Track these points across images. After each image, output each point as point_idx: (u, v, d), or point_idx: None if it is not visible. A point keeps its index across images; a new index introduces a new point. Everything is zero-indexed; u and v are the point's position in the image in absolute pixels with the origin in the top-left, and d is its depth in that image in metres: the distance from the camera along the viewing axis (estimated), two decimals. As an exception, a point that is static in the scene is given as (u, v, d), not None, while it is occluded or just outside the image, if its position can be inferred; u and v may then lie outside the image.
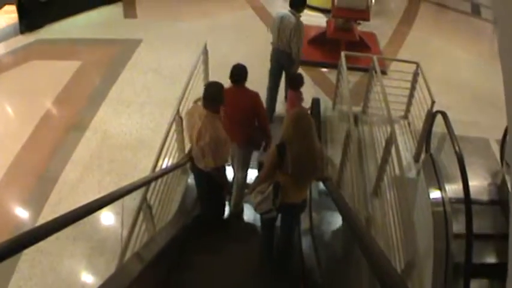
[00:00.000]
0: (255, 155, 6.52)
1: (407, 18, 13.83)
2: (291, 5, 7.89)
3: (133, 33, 11.49)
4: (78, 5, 12.32)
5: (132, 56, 10.51)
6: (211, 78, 7.07)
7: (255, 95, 5.96)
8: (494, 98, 9.94)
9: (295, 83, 7.72)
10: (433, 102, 6.93)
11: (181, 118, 6.13)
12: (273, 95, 8.46)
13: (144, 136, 8.08)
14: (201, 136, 5.07)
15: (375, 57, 7.90)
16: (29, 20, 11.34)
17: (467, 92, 10.27)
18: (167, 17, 12.61)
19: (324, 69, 10.71)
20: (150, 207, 4.96)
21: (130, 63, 10.25)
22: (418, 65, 7.82)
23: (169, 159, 5.97)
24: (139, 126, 8.36)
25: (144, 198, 4.82)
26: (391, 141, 5.63)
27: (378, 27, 12.53)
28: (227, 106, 5.42)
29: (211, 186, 5.65)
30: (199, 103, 5.22)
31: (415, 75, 7.85)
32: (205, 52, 7.65)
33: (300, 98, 7.72)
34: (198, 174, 5.64)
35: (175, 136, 6.22)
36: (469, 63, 11.62)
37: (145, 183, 4.78)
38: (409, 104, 8.18)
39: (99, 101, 8.96)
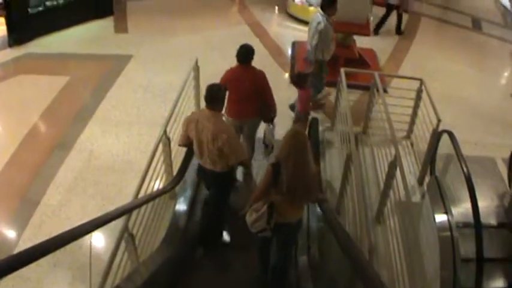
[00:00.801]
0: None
1: (408, 34, 13.61)
2: (320, 6, 8.28)
3: (124, 49, 11.25)
4: (68, 18, 12.10)
5: (121, 72, 10.24)
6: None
7: (261, 73, 6.45)
8: (498, 115, 9.86)
9: (298, 80, 7.51)
10: (438, 121, 6.61)
11: (168, 139, 5.79)
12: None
13: (132, 157, 7.74)
14: (217, 136, 5.15)
15: (376, 74, 7.60)
16: (18, 34, 11.16)
17: (470, 110, 10.03)
18: (159, 32, 12.36)
19: (322, 88, 10.34)
20: (132, 237, 4.59)
21: (119, 80, 9.97)
22: (421, 81, 7.53)
23: (155, 183, 5.63)
24: (127, 146, 8.03)
25: (125, 227, 4.45)
26: (395, 164, 5.30)
27: (377, 43, 12.30)
28: (236, 84, 6.04)
29: (221, 190, 5.77)
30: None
31: (419, 92, 7.55)
32: (196, 68, 7.36)
33: (309, 97, 7.62)
34: (208, 178, 5.72)
35: (162, 158, 5.85)
36: (472, 80, 11.41)
37: (126, 211, 4.41)
38: (412, 123, 7.87)
39: (85, 119, 8.66)
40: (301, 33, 12.88)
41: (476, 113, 9.93)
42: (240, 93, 6.31)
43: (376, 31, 13.22)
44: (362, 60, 10.73)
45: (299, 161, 4.38)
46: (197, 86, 7.52)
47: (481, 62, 12.65)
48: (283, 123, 7.46)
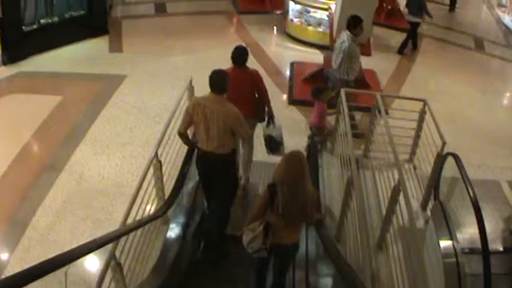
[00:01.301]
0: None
1: (409, 54, 13.53)
2: (346, 26, 8.45)
3: (118, 69, 11.11)
4: (63, 37, 12.00)
5: (115, 92, 10.08)
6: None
7: (256, 73, 6.76)
8: (502, 136, 9.77)
9: (316, 92, 7.76)
10: (443, 144, 6.40)
11: (160, 162, 5.56)
12: None
13: (124, 181, 7.52)
14: (228, 115, 5.49)
15: (378, 95, 7.40)
16: (12, 52, 11.02)
17: (473, 131, 9.91)
18: (154, 52, 12.24)
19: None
20: (120, 266, 4.33)
21: (112, 100, 9.81)
22: (425, 102, 7.32)
23: (145, 208, 5.38)
24: (119, 169, 7.81)
25: (112, 255, 4.19)
26: (398, 188, 5.07)
27: (378, 64, 12.17)
28: (233, 85, 5.84)
29: (225, 178, 5.91)
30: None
31: (422, 113, 7.34)
32: (190, 88, 7.17)
33: (325, 110, 7.81)
34: (211, 165, 5.82)
35: (153, 182, 5.62)
36: (474, 100, 11.31)
37: (113, 238, 4.16)
38: (414, 145, 7.65)
39: (77, 140, 8.47)
40: (300, 53, 12.87)
41: (480, 134, 9.80)
42: (237, 94, 6.23)
43: (401, 51, 13.46)
44: (363, 81, 10.50)
45: (295, 182, 4.44)
46: None
47: (484, 83, 12.56)
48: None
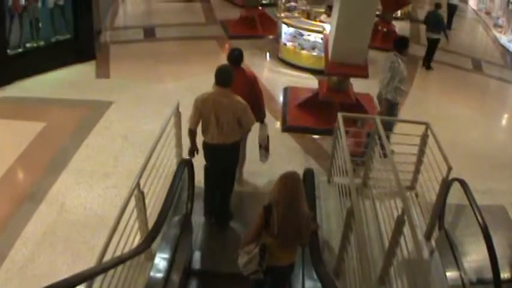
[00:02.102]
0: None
1: (407, 78, 13.18)
2: (394, 47, 8.71)
3: (104, 95, 10.84)
4: (48, 61, 11.86)
5: (100, 119, 9.77)
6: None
7: (251, 73, 7.38)
8: (505, 159, 9.61)
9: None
10: (449, 169, 6.07)
11: (142, 193, 5.19)
12: None
13: (106, 212, 7.11)
14: (236, 108, 6.10)
15: (377, 118, 7.07)
16: (-3, 76, 10.86)
17: (475, 155, 9.66)
18: (143, 78, 12.00)
19: (316, 136, 9.92)
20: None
21: (97, 127, 9.49)
22: (427, 125, 7.03)
23: (126, 243, 5.01)
24: (102, 200, 7.43)
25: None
26: (403, 219, 4.72)
27: (375, 88, 11.82)
28: None
29: (231, 163, 6.58)
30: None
31: (424, 137, 7.02)
32: (177, 114, 6.86)
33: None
34: (219, 154, 6.38)
35: (135, 214, 5.25)
36: (475, 123, 11.15)
37: (88, 277, 3.77)
38: (416, 171, 7.33)
39: (59, 169, 8.10)
40: (294, 78, 12.67)
41: (482, 158, 9.56)
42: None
43: (429, 65, 14.36)
44: (359, 106, 10.16)
45: (290, 203, 4.48)
46: (178, 134, 7.04)
47: (484, 105, 12.52)
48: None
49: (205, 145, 6.38)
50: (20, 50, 11.40)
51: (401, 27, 18.38)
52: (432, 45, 14.32)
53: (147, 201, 5.70)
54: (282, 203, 4.47)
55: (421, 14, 22.98)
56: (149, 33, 15.25)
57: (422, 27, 15.54)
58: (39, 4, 11.75)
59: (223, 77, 6.05)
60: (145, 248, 5.03)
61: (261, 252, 4.57)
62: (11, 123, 9.51)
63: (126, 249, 5.00)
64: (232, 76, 6.13)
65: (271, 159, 7.92)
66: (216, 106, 6.02)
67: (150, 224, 5.55)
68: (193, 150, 6.56)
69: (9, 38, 11.07)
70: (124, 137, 9.16)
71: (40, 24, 11.81)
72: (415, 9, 22.56)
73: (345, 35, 8.97)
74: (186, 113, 7.27)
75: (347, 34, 8.97)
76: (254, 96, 7.10)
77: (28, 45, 11.58)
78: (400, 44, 8.64)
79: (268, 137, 7.51)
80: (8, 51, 11.03)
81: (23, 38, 11.44)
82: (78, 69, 12.27)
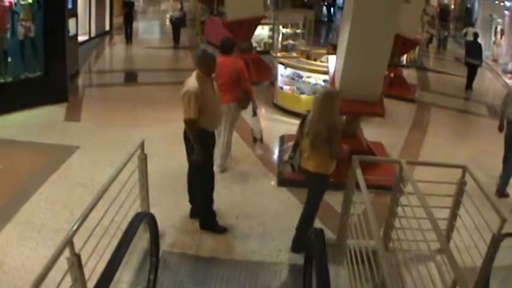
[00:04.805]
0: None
1: (419, 125, 12.92)
2: None
3: (71, 139, 10.02)
4: (15, 101, 11.34)
5: (61, 165, 8.81)
6: (162, 192, 7.54)
7: (240, 62, 8.31)
8: None
9: None
10: (503, 221, 4.88)
11: (78, 256, 4.05)
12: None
13: (49, 277, 5.86)
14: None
15: (403, 162, 5.94)
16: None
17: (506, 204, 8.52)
18: (117, 123, 11.29)
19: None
20: None
21: (56, 174, 8.49)
22: (465, 169, 5.89)
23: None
24: (46, 261, 6.15)
25: None
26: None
27: (385, 136, 11.10)
28: (219, 71, 7.18)
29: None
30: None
31: (461, 185, 5.86)
32: (143, 157, 5.84)
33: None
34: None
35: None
36: (496, 170, 9.90)
37: None
38: (449, 229, 6.08)
39: (4, 220, 6.99)
40: (291, 126, 11.51)
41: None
42: (222, 79, 7.80)
43: (471, 87, 16.86)
44: (371, 153, 8.88)
45: (320, 110, 5.88)
46: (142, 179, 6.04)
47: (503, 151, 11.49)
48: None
49: (207, 137, 6.59)
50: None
51: (408, 74, 17.95)
52: (474, 70, 16.77)
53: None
54: (314, 109, 5.95)
55: (427, 63, 23.00)
56: (131, 77, 14.89)
57: (431, 74, 17.16)
58: (8, 35, 11.19)
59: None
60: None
61: (294, 147, 6.29)
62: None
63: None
64: (234, 45, 8.26)
65: (266, 217, 7.48)
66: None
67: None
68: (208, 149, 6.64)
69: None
70: (85, 186, 8.10)
71: (9, 58, 11.34)
72: (420, 57, 22.50)
73: (355, 62, 7.96)
74: (157, 159, 6.58)
75: (358, 61, 7.95)
76: (241, 82, 8.13)
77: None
78: None
79: (261, 130, 8.65)
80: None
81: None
82: (47, 111, 11.69)
